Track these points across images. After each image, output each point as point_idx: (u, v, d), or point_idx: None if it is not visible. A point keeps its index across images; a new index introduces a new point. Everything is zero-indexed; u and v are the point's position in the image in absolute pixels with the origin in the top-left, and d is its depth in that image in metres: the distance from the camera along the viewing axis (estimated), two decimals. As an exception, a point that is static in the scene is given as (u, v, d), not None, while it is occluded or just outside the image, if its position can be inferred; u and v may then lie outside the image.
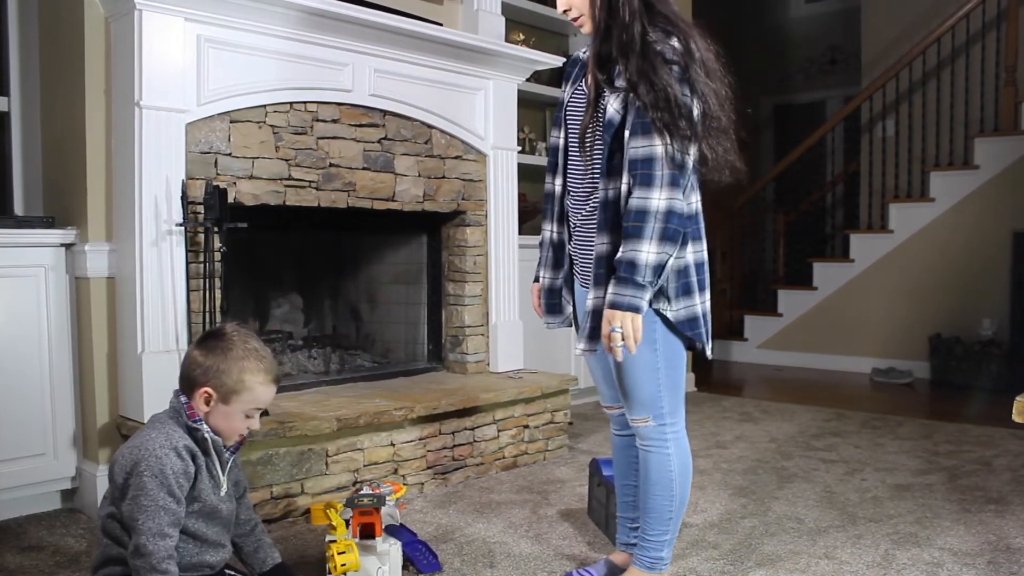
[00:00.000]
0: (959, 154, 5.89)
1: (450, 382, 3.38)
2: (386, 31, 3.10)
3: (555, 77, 4.89)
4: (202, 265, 2.64)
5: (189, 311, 2.65)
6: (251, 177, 2.83)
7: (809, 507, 2.75)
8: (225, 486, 1.77)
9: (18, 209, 2.93)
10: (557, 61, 3.88)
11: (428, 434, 2.97)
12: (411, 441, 2.91)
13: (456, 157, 3.49)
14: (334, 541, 2.04)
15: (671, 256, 1.74)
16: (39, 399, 2.62)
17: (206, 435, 1.71)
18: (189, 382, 1.73)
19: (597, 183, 1.85)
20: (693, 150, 1.76)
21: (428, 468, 2.97)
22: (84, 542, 2.40)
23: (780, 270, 6.69)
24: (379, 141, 3.21)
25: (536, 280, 2.11)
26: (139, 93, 2.54)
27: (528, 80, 3.85)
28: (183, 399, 1.73)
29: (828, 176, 7.39)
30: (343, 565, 1.98)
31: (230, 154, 2.77)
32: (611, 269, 1.79)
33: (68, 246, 2.69)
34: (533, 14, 4.69)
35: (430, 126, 3.37)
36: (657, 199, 1.70)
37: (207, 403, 1.71)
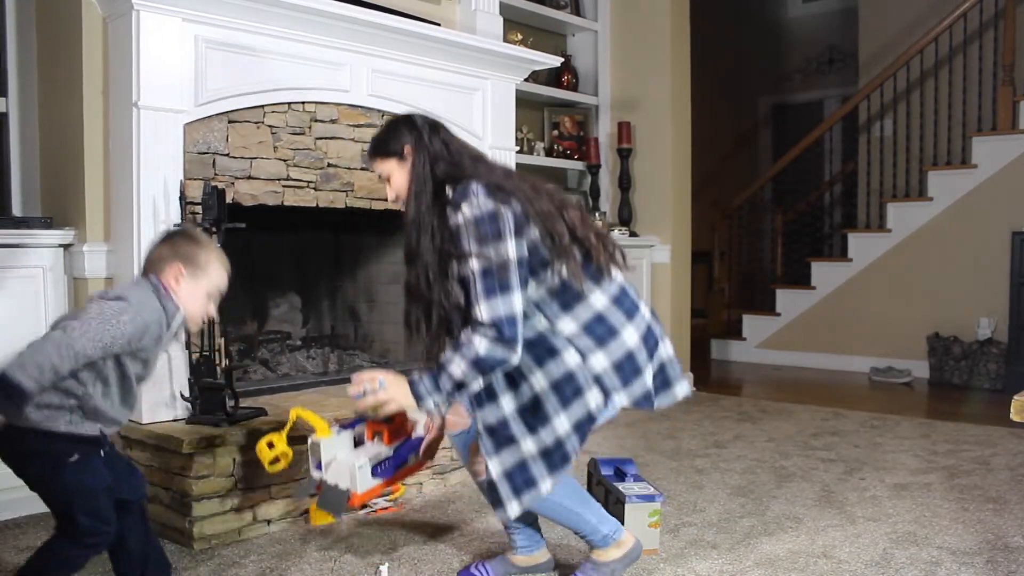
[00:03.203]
0: (957, 153, 5.89)
1: (449, 382, 3.36)
2: (384, 31, 3.10)
3: (553, 77, 4.90)
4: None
5: (187, 312, 2.64)
6: (249, 177, 2.83)
7: (807, 506, 2.75)
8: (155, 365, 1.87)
9: (16, 210, 2.92)
10: (555, 61, 3.87)
11: (427, 434, 2.96)
12: (410, 441, 2.91)
13: (454, 157, 3.48)
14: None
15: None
16: (37, 400, 2.62)
17: (179, 308, 1.80)
18: (159, 265, 1.81)
19: None
20: (517, 298, 1.82)
21: (427, 468, 2.96)
22: (83, 543, 2.39)
23: (778, 269, 6.69)
24: (377, 141, 3.20)
25: None
26: (137, 94, 2.54)
27: (526, 80, 3.85)
28: (153, 277, 1.80)
29: (826, 176, 7.39)
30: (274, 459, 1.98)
31: (228, 154, 2.77)
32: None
33: (66, 247, 2.69)
34: (531, 14, 4.69)
35: (428, 126, 3.37)
36: (477, 343, 1.80)
37: (177, 281, 1.79)
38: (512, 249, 1.81)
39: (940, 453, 3.45)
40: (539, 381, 1.87)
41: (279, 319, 3.66)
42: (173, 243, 1.84)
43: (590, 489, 2.64)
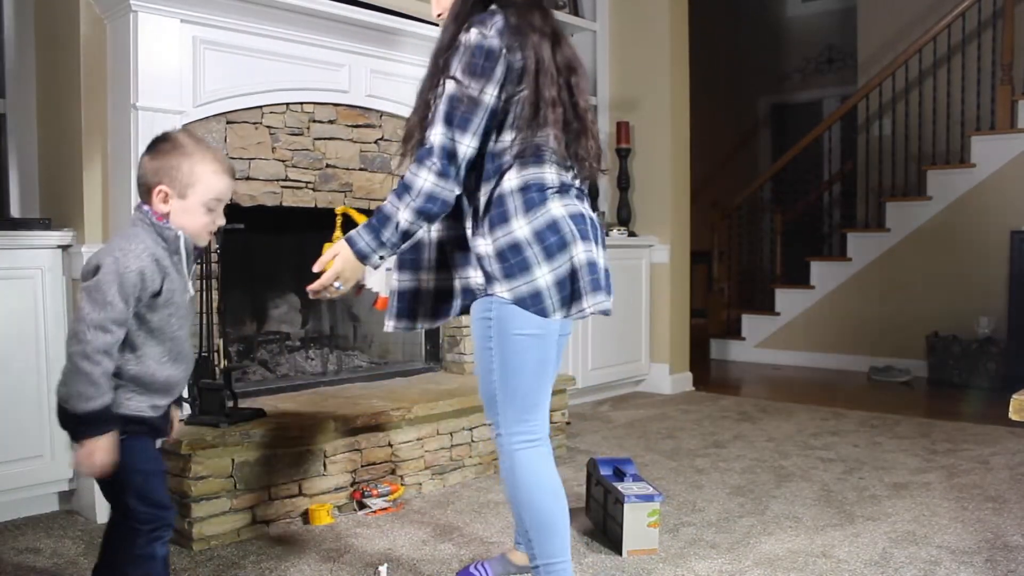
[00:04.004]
0: (955, 152, 5.89)
1: (447, 382, 3.37)
2: (382, 31, 3.10)
3: (552, 77, 4.89)
4: (199, 266, 2.63)
5: (186, 312, 2.64)
6: (248, 178, 2.83)
7: (807, 506, 2.75)
8: (190, 289, 1.78)
9: (14, 211, 2.92)
10: (554, 61, 3.86)
11: (426, 434, 2.96)
12: (409, 442, 2.91)
13: (453, 157, 3.48)
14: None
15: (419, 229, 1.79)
16: (36, 401, 2.61)
17: (178, 233, 1.71)
18: (145, 188, 1.72)
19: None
20: (470, 141, 1.74)
21: (426, 468, 2.96)
22: (82, 544, 2.40)
23: (777, 269, 6.69)
24: (376, 142, 3.21)
25: None
26: (135, 95, 2.54)
27: (525, 80, 3.84)
28: (145, 207, 1.72)
29: (825, 175, 7.39)
30: None
31: (227, 155, 2.77)
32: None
33: (65, 248, 2.68)
34: (530, 14, 4.68)
35: (427, 126, 3.37)
36: (423, 179, 1.73)
37: (165, 202, 1.70)
38: (490, 95, 1.73)
39: (939, 452, 3.45)
40: (432, 230, 1.92)
41: (278, 320, 3.66)
42: (154, 157, 1.71)
43: (589, 489, 2.64)
